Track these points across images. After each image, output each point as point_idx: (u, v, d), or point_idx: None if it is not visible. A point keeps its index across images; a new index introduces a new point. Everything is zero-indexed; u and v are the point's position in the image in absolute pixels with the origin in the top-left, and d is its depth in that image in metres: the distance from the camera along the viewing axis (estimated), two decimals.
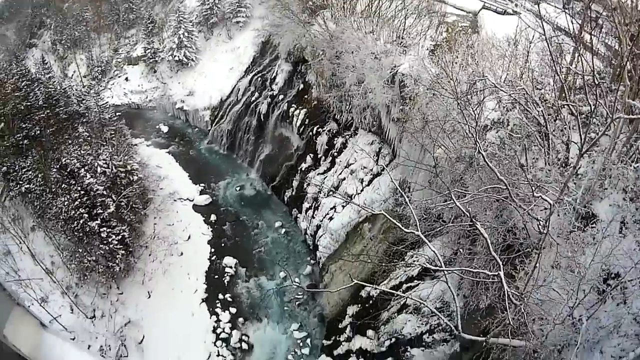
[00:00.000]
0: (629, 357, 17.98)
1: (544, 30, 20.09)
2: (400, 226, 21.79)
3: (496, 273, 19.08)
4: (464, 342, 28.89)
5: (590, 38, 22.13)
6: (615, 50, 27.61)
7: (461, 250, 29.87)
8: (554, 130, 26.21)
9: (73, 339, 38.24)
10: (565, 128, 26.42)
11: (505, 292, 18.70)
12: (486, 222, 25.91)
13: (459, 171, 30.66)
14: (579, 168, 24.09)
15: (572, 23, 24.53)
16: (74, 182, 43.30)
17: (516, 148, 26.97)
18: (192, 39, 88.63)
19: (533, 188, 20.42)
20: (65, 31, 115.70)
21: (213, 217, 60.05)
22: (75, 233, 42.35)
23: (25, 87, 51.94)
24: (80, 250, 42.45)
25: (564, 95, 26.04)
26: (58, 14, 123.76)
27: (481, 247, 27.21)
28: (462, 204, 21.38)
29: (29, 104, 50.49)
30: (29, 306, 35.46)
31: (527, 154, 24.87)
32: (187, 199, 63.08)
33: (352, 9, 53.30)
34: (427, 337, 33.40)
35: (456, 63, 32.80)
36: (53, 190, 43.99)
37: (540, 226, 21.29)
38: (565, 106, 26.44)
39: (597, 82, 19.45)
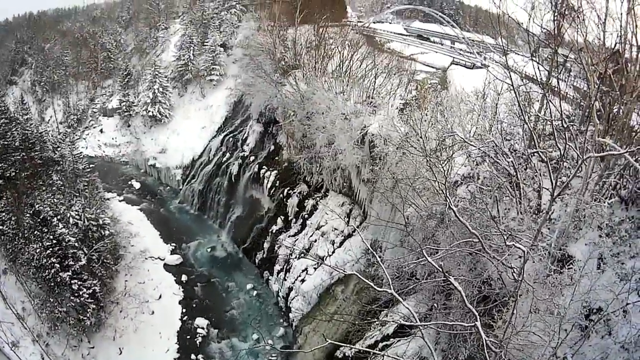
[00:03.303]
0: None
1: (511, 81, 20.18)
2: (373, 285, 21.11)
3: (473, 324, 18.20)
4: None
5: (558, 82, 22.33)
6: (583, 92, 27.96)
7: (436, 305, 29.24)
8: (524, 179, 26.25)
9: None
10: (536, 175, 26.43)
11: (484, 342, 17.87)
12: (460, 276, 25.59)
13: (431, 228, 30.45)
14: (552, 213, 24.12)
15: (540, 71, 24.76)
16: (46, 230, 42.54)
17: (487, 201, 26.48)
18: (166, 94, 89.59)
19: (505, 238, 20.12)
20: (45, 73, 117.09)
21: (184, 277, 59.33)
22: (47, 282, 41.74)
23: (3, 125, 50.97)
24: (52, 300, 41.67)
25: (533, 143, 26.18)
26: (40, 54, 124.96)
27: (456, 300, 26.68)
28: (435, 260, 20.93)
29: (5, 143, 49.57)
30: (2, 347, 34.99)
31: (498, 206, 24.98)
32: (158, 257, 62.45)
33: (323, 69, 54.18)
34: None
35: (425, 121, 33.25)
36: (25, 235, 43.36)
37: (515, 274, 21.04)
38: (535, 154, 26.49)
39: (566, 126, 19.50)
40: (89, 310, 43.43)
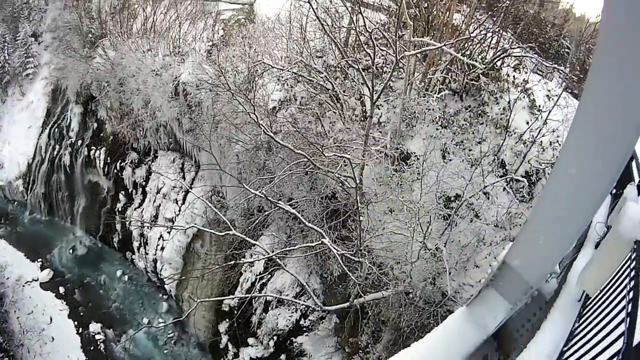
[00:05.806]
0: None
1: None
2: (212, 231, 23.28)
3: (319, 242, 19.55)
4: (340, 312, 28.87)
5: None
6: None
7: (294, 230, 29.87)
8: (344, 91, 26.78)
9: None
10: (354, 85, 26.98)
11: (336, 255, 19.08)
12: (303, 197, 26.22)
13: (261, 159, 30.77)
14: (380, 117, 25.00)
15: None
16: None
17: (310, 119, 27.25)
18: None
19: (321, 149, 20.67)
20: None
21: (62, 290, 56.34)
22: None
23: None
24: None
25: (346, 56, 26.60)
26: None
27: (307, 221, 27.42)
28: (271, 188, 22.81)
29: None
30: None
31: (322, 121, 25.61)
32: (33, 279, 58.41)
33: (129, 31, 51.97)
34: (304, 322, 33.49)
35: (233, 56, 33.78)
36: None
37: (355, 183, 21.23)
38: (352, 66, 26.97)
39: (370, 31, 19.70)
40: None
